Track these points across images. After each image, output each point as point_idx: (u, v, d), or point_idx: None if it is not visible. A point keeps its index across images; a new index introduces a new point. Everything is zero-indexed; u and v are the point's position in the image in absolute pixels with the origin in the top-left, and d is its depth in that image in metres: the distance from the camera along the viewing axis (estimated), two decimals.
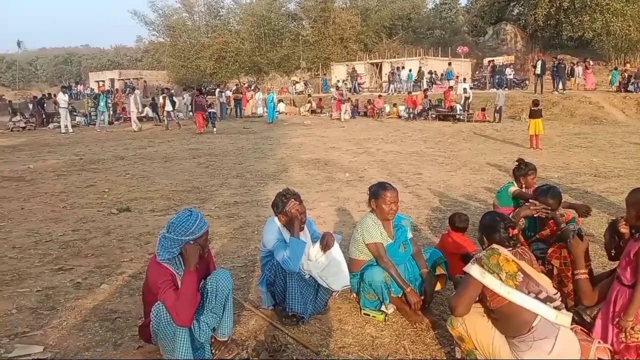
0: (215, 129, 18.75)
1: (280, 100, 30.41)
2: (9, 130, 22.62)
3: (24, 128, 23.07)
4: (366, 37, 41.92)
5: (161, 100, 26.49)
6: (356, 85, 32.54)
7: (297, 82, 35.97)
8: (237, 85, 34.10)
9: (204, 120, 18.71)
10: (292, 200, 3.43)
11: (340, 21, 40.14)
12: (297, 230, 3.37)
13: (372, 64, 37.38)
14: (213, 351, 3.00)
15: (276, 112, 23.74)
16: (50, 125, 23.47)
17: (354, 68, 34.58)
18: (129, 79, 44.54)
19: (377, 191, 3.61)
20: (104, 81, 44.32)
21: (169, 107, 21.37)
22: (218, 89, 29.40)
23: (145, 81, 44.04)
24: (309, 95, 30.18)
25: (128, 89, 38.31)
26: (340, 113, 23.84)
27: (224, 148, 13.94)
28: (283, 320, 3.47)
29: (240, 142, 15.41)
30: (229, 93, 27.53)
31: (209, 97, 29.26)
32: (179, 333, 2.66)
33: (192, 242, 2.76)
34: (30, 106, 27.19)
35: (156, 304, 2.70)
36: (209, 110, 19.40)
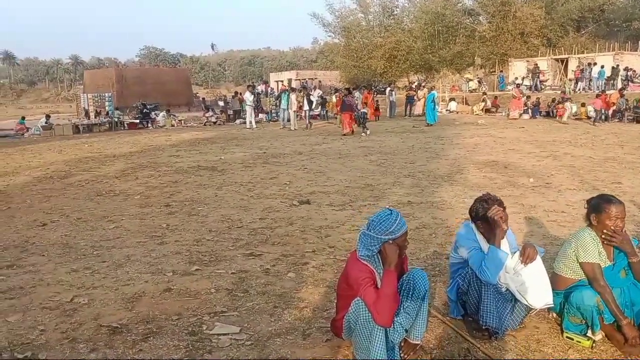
0: (366, 132, 17.20)
1: (451, 99, 29.51)
2: (202, 124, 25.43)
3: (214, 123, 25.74)
4: (550, 31, 38.49)
5: (334, 99, 27.57)
6: (538, 82, 30.19)
7: (470, 80, 34.54)
8: (409, 83, 33.93)
9: (351, 121, 17.48)
10: (496, 206, 3.16)
11: (522, 15, 37.40)
12: (499, 239, 3.10)
13: (556, 59, 34.27)
14: (402, 355, 2.90)
15: (436, 112, 21.64)
16: (237, 121, 25.78)
17: (536, 64, 32.04)
18: (305, 79, 47.05)
19: (600, 204, 3.15)
20: (282, 81, 47.48)
21: (305, 107, 21.83)
22: (389, 88, 29.51)
23: (319, 81, 46.14)
24: (484, 94, 28.72)
25: (304, 89, 40.50)
26: (518, 112, 22.31)
27: (395, 147, 13.88)
28: (473, 332, 3.23)
29: (410, 141, 15.23)
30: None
31: (378, 96, 29.59)
32: (376, 332, 2.62)
33: (390, 242, 2.70)
34: (221, 103, 30.16)
35: (356, 300, 2.68)
36: (361, 111, 18.19)
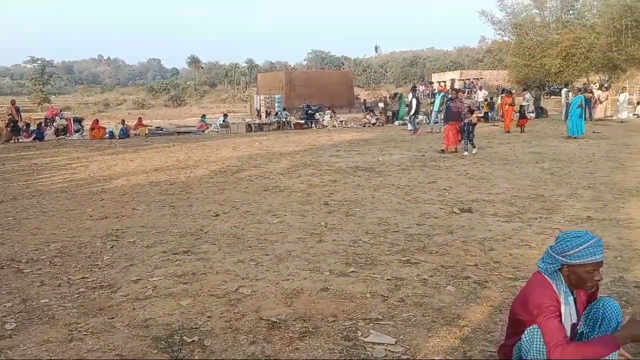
0: (472, 149, 13.24)
1: None
2: (362, 125, 25.80)
3: (373, 124, 25.95)
4: None
5: (499, 100, 26.03)
6: None
7: None
8: (584, 84, 30.71)
9: (457, 134, 13.58)
10: None
11: None
12: None
13: None
14: None
15: (583, 121, 16.76)
16: (396, 122, 25.68)
17: None
18: (469, 79, 45.29)
19: None
20: (445, 81, 46.28)
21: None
22: (565, 89, 26.98)
23: (478, 79, 44.03)
24: None
25: (467, 89, 39.00)
26: None
27: (572, 154, 12.57)
28: None
29: (589, 148, 13.66)
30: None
31: (552, 97, 27.18)
32: None
33: (566, 267, 2.38)
34: (381, 105, 30.35)
35: (532, 327, 2.39)
36: (466, 121, 13.47)
